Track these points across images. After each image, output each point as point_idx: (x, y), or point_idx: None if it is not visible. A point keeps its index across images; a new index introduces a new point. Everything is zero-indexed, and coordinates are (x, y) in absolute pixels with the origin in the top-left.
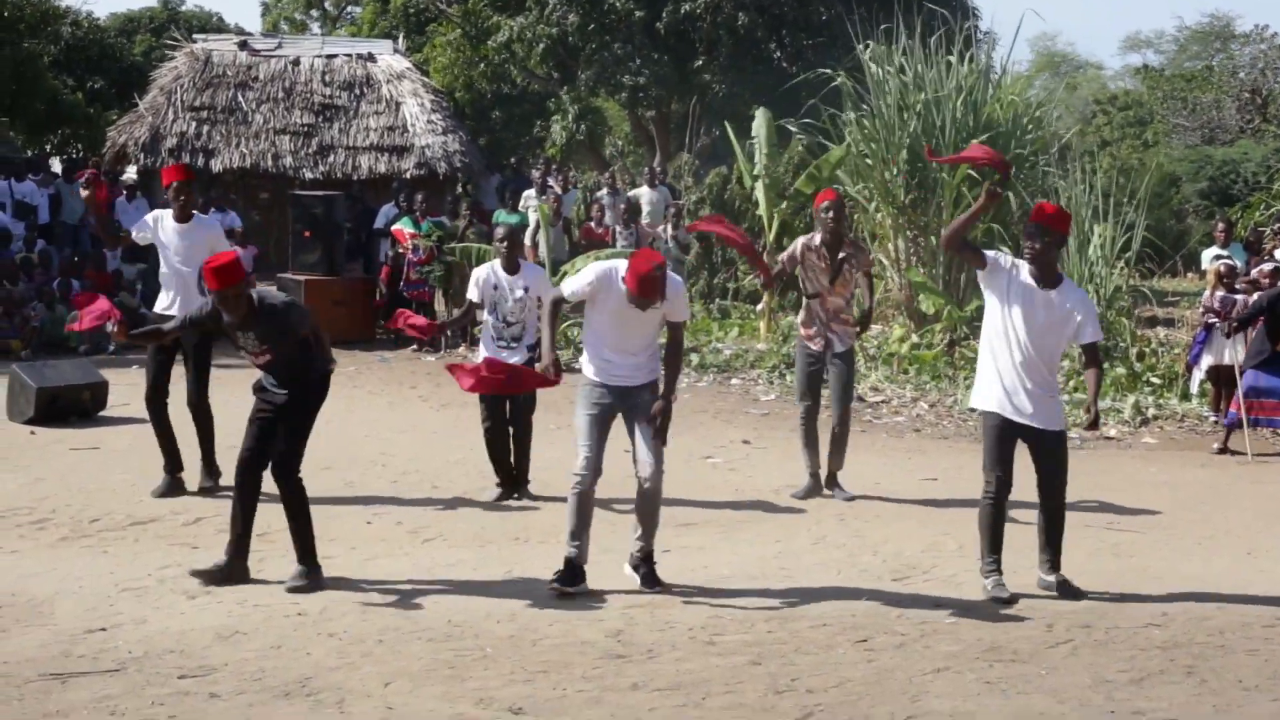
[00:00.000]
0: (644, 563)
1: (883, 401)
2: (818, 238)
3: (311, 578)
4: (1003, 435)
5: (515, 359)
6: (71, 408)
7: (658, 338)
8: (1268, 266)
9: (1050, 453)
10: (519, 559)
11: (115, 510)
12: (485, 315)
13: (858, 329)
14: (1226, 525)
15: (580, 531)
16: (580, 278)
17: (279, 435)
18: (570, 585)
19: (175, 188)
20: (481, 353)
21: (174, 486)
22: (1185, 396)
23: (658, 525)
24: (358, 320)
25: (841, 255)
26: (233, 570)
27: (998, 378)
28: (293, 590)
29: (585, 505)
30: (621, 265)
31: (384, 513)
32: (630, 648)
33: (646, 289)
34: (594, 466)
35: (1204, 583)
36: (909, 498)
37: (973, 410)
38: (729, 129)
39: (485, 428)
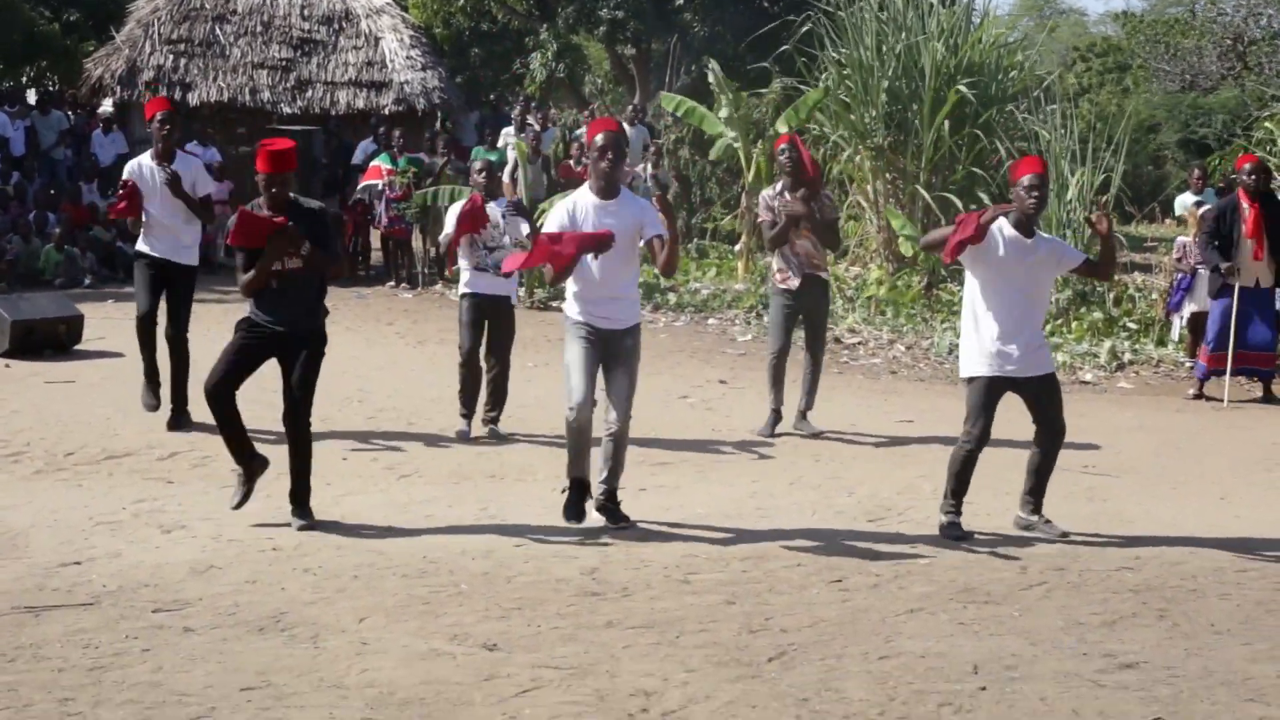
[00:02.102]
0: (609, 501)
1: (859, 343)
2: (780, 184)
3: (310, 520)
4: (991, 392)
5: (502, 287)
6: (47, 341)
7: (638, 270)
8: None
9: (1045, 396)
10: (494, 496)
11: (90, 444)
12: (465, 249)
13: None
14: (1200, 470)
15: (579, 459)
16: (553, 218)
17: (294, 381)
18: (578, 511)
19: (160, 118)
20: (464, 286)
21: (156, 396)
22: (1162, 342)
23: (623, 468)
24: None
25: (801, 194)
26: (253, 471)
27: (989, 339)
28: (305, 528)
29: (584, 434)
30: (578, 192)
31: (360, 449)
32: (605, 586)
33: (605, 124)
34: (588, 398)
35: (1177, 527)
36: (885, 439)
37: (952, 355)
38: (683, 111)
39: (461, 360)
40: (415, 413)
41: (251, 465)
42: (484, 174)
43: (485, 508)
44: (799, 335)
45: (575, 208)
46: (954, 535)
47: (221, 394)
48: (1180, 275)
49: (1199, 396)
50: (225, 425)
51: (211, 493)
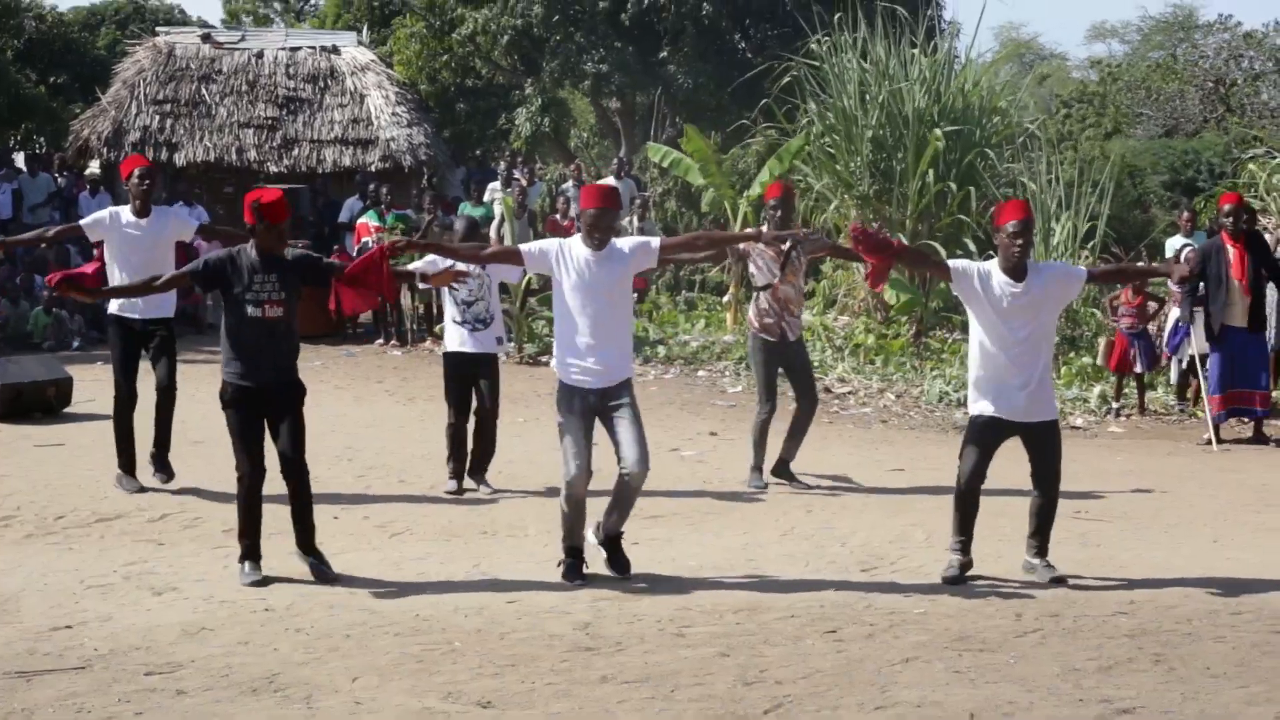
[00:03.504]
0: (611, 544)
1: (849, 393)
2: (766, 225)
3: (325, 562)
4: (988, 430)
5: (485, 344)
6: (36, 404)
7: (631, 321)
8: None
9: (1043, 442)
10: (486, 553)
11: (80, 507)
12: (445, 302)
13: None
14: (1192, 513)
15: (576, 530)
16: (537, 243)
17: (285, 435)
18: (578, 575)
19: (139, 173)
20: (447, 344)
21: (135, 480)
22: (1152, 386)
23: (629, 514)
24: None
25: (788, 244)
26: (255, 561)
27: (988, 380)
28: (325, 578)
29: (580, 507)
30: (572, 240)
31: (351, 507)
32: (598, 640)
33: (601, 199)
34: (585, 471)
35: (1171, 571)
36: (876, 488)
37: (943, 403)
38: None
39: (450, 421)
40: (405, 470)
41: (260, 559)
42: (465, 229)
43: (477, 564)
44: (787, 386)
45: (563, 251)
46: (951, 579)
47: (258, 480)
48: (1177, 318)
49: (1212, 441)
50: (248, 512)
51: (203, 554)
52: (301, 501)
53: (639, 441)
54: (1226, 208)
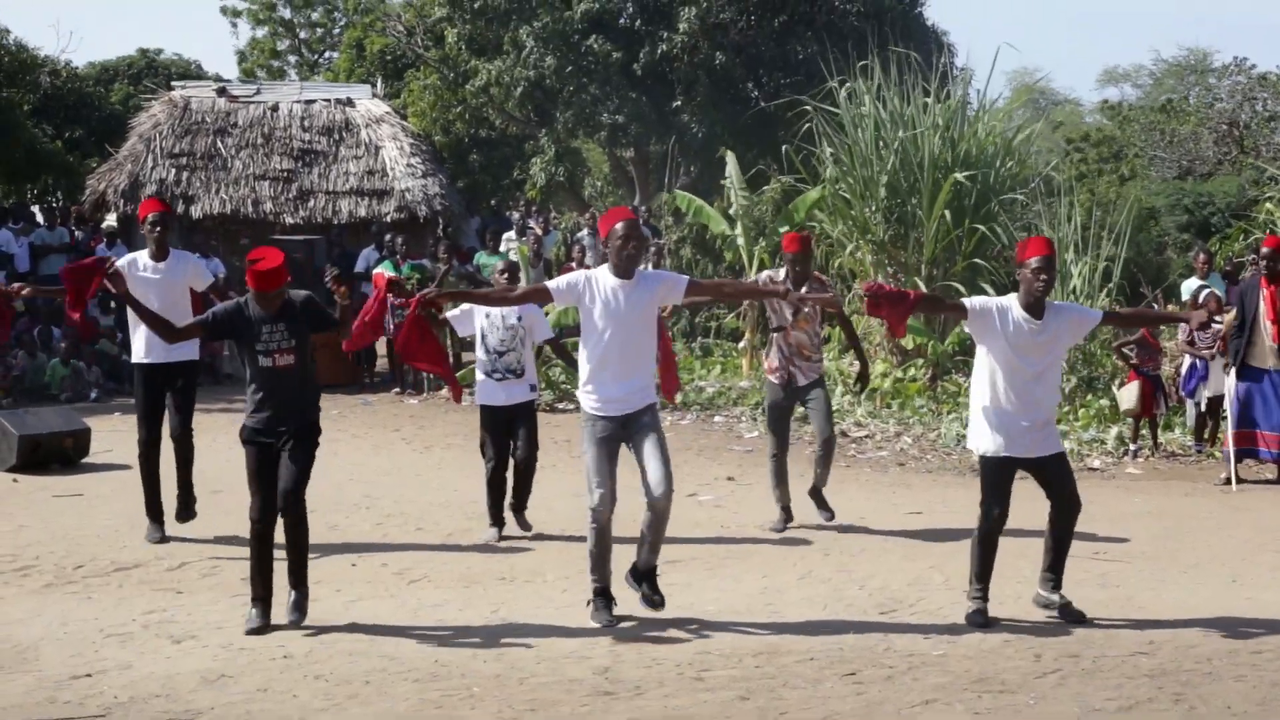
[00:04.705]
0: (647, 578)
1: (866, 436)
2: (781, 272)
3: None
4: (1003, 470)
5: (517, 395)
6: (54, 455)
7: (654, 352)
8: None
9: (1056, 475)
10: (505, 599)
11: (99, 556)
12: (477, 350)
13: (858, 383)
14: (1211, 553)
15: (602, 564)
16: (561, 278)
17: (286, 473)
18: (608, 614)
19: (152, 219)
20: (480, 397)
21: (161, 530)
22: (1169, 426)
23: (661, 543)
24: (339, 364)
25: (804, 290)
26: (268, 611)
27: (996, 417)
28: (298, 618)
29: (606, 538)
30: (598, 270)
31: (369, 555)
32: (618, 685)
33: (623, 213)
34: (610, 499)
35: (1190, 611)
36: (894, 531)
37: (960, 445)
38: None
39: (489, 468)
40: (423, 517)
41: (268, 606)
42: (505, 275)
43: (496, 610)
44: (805, 429)
45: (590, 282)
46: (977, 622)
47: (269, 525)
48: (1192, 361)
49: (1231, 480)
50: (260, 558)
51: (221, 602)
52: (298, 544)
53: (663, 463)
54: (1266, 250)
